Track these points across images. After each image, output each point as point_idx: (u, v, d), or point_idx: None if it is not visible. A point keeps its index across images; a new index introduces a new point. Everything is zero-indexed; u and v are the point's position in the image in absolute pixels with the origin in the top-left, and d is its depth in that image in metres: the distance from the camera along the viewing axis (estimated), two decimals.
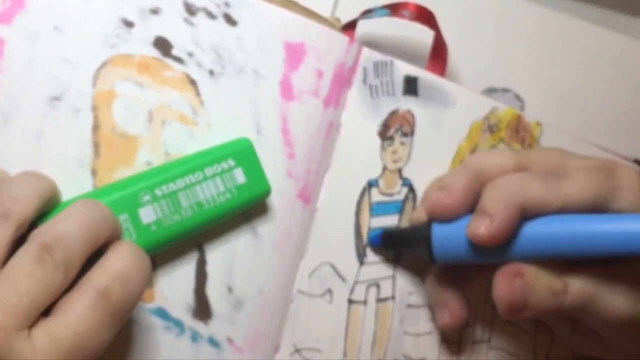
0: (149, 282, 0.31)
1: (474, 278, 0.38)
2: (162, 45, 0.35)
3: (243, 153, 0.35)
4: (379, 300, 0.38)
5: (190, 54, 0.35)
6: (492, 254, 0.33)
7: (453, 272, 0.37)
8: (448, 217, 0.34)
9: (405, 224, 0.39)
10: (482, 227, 0.32)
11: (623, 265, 0.33)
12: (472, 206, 0.34)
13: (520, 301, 0.32)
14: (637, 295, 0.33)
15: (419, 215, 0.37)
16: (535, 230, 0.33)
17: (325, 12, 0.42)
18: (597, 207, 0.33)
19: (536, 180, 0.33)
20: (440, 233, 0.35)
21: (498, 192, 0.33)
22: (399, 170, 0.39)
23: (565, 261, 0.33)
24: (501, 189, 0.33)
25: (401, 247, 0.38)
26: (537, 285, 0.32)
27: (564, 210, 0.32)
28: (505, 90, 0.46)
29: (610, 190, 0.33)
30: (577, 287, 0.33)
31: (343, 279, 0.38)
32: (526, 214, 0.32)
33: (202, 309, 0.34)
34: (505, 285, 0.33)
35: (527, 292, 0.32)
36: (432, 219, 0.35)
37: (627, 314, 0.33)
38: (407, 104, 0.40)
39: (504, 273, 0.33)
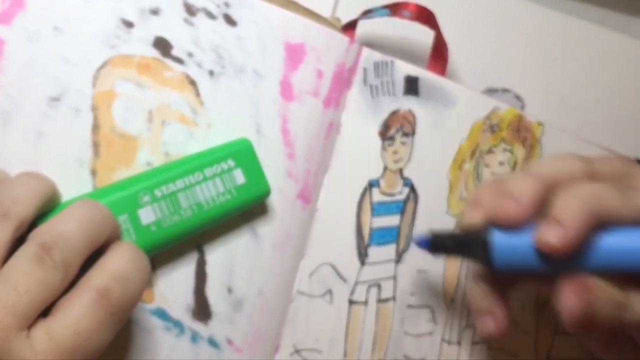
0: (148, 283, 0.31)
1: (520, 284, 0.37)
2: (162, 45, 0.35)
3: (243, 153, 0.35)
4: (380, 300, 0.38)
5: (190, 54, 0.35)
6: (559, 264, 0.32)
7: (498, 277, 0.36)
8: (514, 226, 0.33)
9: (406, 224, 0.39)
10: (555, 236, 0.31)
11: None
12: (537, 214, 0.33)
13: (586, 314, 0.32)
14: None
15: (472, 219, 0.35)
16: (607, 243, 0.32)
17: (325, 12, 0.42)
18: None
19: (612, 191, 0.32)
20: (503, 240, 0.33)
21: (573, 199, 0.32)
22: (400, 170, 0.39)
23: (628, 275, 0.32)
24: (577, 197, 0.32)
25: (453, 252, 0.36)
26: (606, 299, 0.32)
27: (637, 223, 0.32)
28: (505, 91, 0.46)
29: None
30: None
31: (344, 280, 0.38)
32: (598, 225, 0.32)
33: (201, 310, 0.34)
34: (574, 298, 0.32)
35: (595, 306, 0.31)
36: (493, 226, 0.34)
37: None
38: (408, 103, 0.40)
39: (572, 285, 0.32)
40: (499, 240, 0.34)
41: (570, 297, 0.32)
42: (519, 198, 0.33)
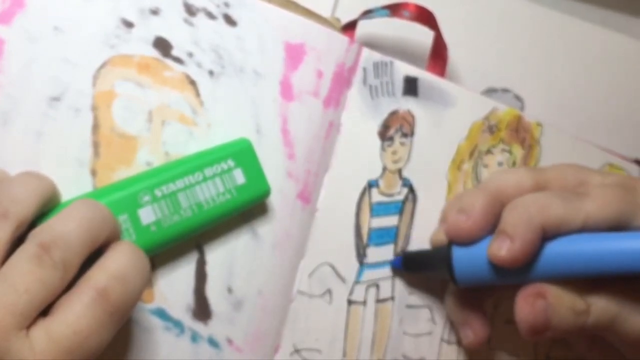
0: (148, 282, 0.31)
1: (495, 294, 0.38)
2: (162, 45, 0.35)
3: (243, 153, 0.35)
4: (379, 300, 0.38)
5: (190, 54, 0.35)
6: (514, 275, 0.33)
7: (472, 289, 0.37)
8: (468, 240, 0.34)
9: (405, 224, 0.39)
10: (503, 249, 0.32)
11: None
12: (492, 227, 0.34)
13: (542, 322, 0.32)
14: None
15: (439, 236, 0.36)
16: (557, 250, 0.32)
17: (325, 12, 0.42)
18: (618, 225, 0.32)
19: (556, 199, 0.32)
20: (461, 255, 0.34)
21: (518, 213, 0.32)
22: (399, 171, 0.39)
23: (587, 280, 0.32)
24: (521, 209, 0.32)
25: (423, 269, 0.37)
26: (560, 305, 0.32)
27: (585, 229, 0.32)
28: (505, 91, 0.46)
29: (632, 208, 0.32)
30: (600, 306, 0.32)
31: (343, 280, 0.38)
32: (547, 234, 0.32)
33: (201, 310, 0.34)
34: (528, 306, 0.32)
35: (550, 313, 0.32)
36: (452, 242, 0.35)
37: None
38: (407, 104, 0.40)
39: (526, 294, 0.33)
40: (458, 255, 0.34)
41: (523, 307, 0.32)
42: (470, 212, 0.34)
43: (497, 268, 0.33)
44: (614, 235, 0.32)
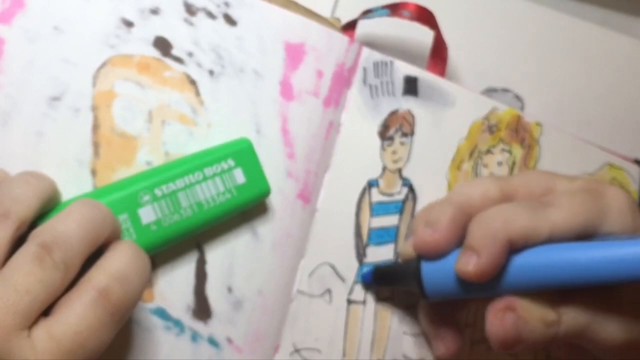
0: (148, 282, 0.31)
1: (466, 305, 0.38)
2: (162, 45, 0.35)
3: (243, 153, 0.35)
4: (378, 300, 0.38)
5: (190, 54, 0.35)
6: (484, 288, 0.33)
7: (444, 302, 0.36)
8: (436, 255, 0.34)
9: (405, 224, 0.39)
10: (470, 264, 0.32)
11: (615, 292, 0.32)
12: (460, 240, 0.33)
13: (513, 336, 0.32)
14: (631, 321, 0.32)
15: (408, 249, 0.36)
16: (525, 262, 0.32)
17: (325, 12, 0.42)
18: (586, 232, 0.32)
19: (521, 210, 0.32)
20: (430, 270, 0.34)
21: (483, 227, 0.32)
22: (399, 171, 0.39)
23: (557, 291, 0.32)
24: (486, 223, 0.32)
25: (393, 283, 0.37)
26: (530, 318, 0.32)
27: (552, 239, 0.32)
28: (505, 91, 0.46)
29: (598, 214, 0.32)
30: (571, 316, 0.32)
31: (342, 279, 0.38)
32: (514, 246, 0.32)
33: (201, 309, 0.34)
34: (497, 321, 0.32)
35: (520, 326, 0.32)
36: (420, 255, 0.34)
37: (622, 340, 0.32)
38: (407, 104, 0.40)
39: (495, 309, 0.32)
40: (427, 269, 0.34)
41: (493, 322, 0.32)
42: (436, 226, 0.33)
43: (467, 282, 0.33)
44: (580, 245, 0.31)
